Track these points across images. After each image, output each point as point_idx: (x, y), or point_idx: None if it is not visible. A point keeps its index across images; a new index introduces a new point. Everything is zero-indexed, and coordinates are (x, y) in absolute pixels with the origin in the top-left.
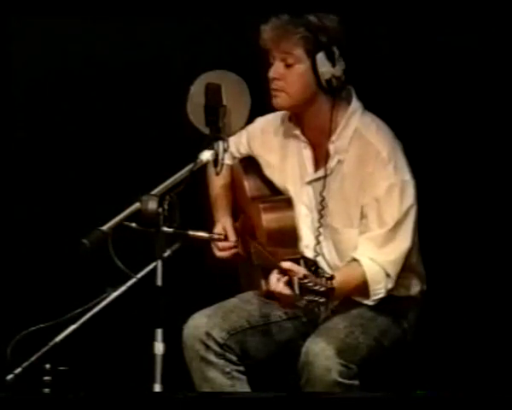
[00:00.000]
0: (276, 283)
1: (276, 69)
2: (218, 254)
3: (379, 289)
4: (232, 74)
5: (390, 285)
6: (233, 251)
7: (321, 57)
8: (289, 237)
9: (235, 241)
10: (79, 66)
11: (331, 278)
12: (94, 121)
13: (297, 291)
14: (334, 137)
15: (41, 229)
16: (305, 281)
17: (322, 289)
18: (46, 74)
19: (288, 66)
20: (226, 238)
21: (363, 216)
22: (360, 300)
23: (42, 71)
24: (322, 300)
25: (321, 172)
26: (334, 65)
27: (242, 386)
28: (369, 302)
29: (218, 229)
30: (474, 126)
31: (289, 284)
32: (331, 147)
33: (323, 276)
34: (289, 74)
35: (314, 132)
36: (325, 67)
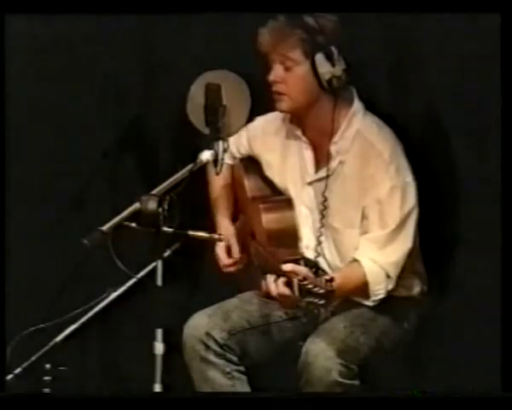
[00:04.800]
0: (276, 284)
1: (276, 73)
2: (223, 269)
3: (379, 290)
4: (232, 74)
5: (390, 286)
6: (237, 266)
7: (320, 58)
8: (290, 237)
9: (239, 256)
10: (78, 64)
11: (331, 280)
12: (94, 120)
13: (296, 293)
14: (335, 138)
15: (41, 228)
16: (305, 283)
17: (322, 291)
18: (45, 72)
19: (287, 69)
20: (229, 251)
21: (364, 217)
22: (360, 300)
23: (40, 69)
24: (321, 302)
25: (322, 173)
26: (333, 65)
27: (242, 386)
28: (369, 303)
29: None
30: (475, 127)
31: (289, 285)
32: (333, 148)
33: (323, 278)
34: (290, 77)
35: (315, 133)
36: (325, 68)
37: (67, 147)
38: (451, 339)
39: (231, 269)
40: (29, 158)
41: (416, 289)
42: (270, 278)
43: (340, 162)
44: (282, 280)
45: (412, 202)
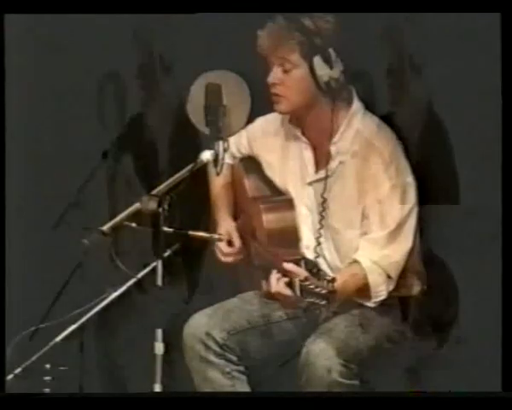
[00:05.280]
0: (277, 283)
1: (275, 75)
2: (223, 259)
3: (380, 291)
4: (232, 74)
5: (391, 287)
6: (237, 257)
7: (317, 60)
8: (290, 237)
9: (240, 247)
10: (78, 64)
11: (332, 280)
12: (94, 120)
13: (298, 293)
14: (335, 139)
15: (41, 228)
16: (307, 283)
17: (324, 291)
18: (45, 72)
19: (285, 71)
20: (230, 243)
21: (364, 217)
22: (361, 301)
23: (40, 68)
24: (322, 302)
25: (322, 173)
26: (331, 67)
27: (242, 386)
28: (370, 304)
29: (221, 232)
30: (475, 127)
31: (290, 285)
32: (333, 148)
33: (325, 278)
34: (288, 79)
35: (315, 133)
36: (323, 70)
37: (67, 147)
38: (452, 339)
39: (230, 259)
40: (29, 158)
41: (416, 288)
42: (274, 275)
43: (340, 162)
44: (283, 280)
45: (412, 202)
